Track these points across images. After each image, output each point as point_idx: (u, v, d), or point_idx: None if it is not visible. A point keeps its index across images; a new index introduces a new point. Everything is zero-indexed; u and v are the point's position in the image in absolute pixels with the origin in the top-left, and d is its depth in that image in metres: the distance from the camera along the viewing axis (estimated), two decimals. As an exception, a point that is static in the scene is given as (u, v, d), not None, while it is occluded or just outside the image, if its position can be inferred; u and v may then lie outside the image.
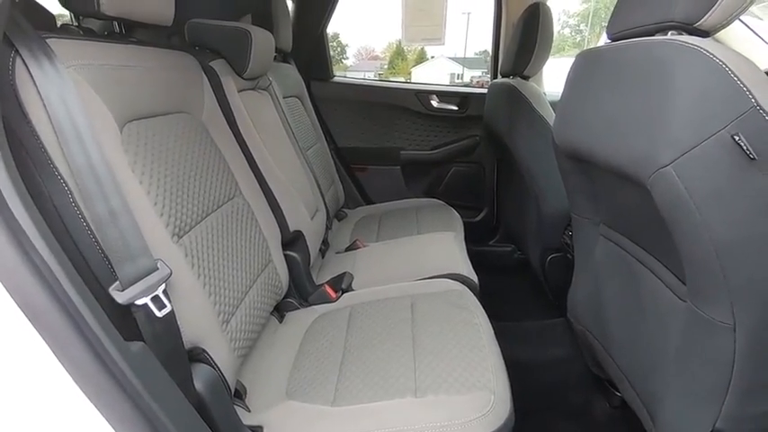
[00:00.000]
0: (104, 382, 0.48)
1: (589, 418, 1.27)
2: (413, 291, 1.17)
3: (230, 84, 1.11)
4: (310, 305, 1.20)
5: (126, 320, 0.61)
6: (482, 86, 2.21)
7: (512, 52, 1.56)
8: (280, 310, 1.16)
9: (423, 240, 1.52)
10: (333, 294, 1.21)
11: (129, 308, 0.61)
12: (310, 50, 1.94)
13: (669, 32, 0.67)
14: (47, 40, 0.60)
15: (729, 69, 0.56)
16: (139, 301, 0.61)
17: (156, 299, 0.63)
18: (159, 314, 0.63)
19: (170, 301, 0.65)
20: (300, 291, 1.23)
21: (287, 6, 1.59)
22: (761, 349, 0.61)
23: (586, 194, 1.00)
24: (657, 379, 0.79)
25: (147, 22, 0.80)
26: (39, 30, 0.62)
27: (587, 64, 0.87)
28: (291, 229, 1.21)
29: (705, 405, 0.68)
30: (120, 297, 0.59)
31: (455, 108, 2.05)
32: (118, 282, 0.61)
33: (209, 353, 0.74)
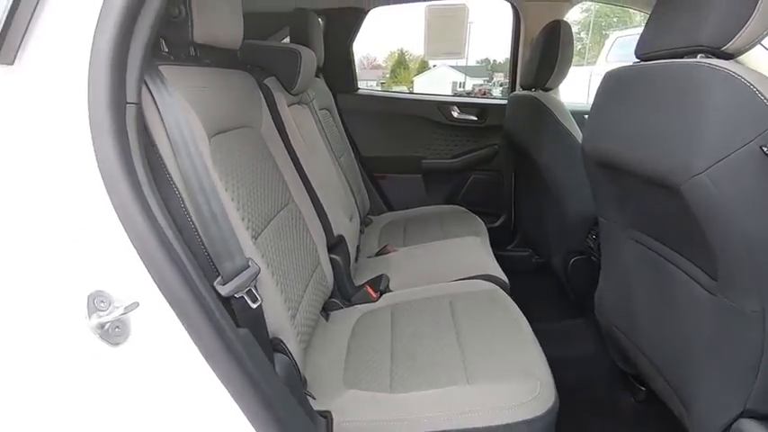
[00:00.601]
0: (227, 361, 0.56)
1: (615, 412, 1.33)
2: (449, 290, 1.25)
3: (282, 99, 1.20)
4: (353, 305, 1.28)
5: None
6: (484, 94, 2.31)
7: (533, 66, 1.65)
8: (325, 310, 1.24)
9: (451, 244, 1.60)
10: (374, 294, 1.29)
11: (227, 300, 0.69)
12: (338, 64, 2.03)
13: (698, 55, 0.76)
14: (159, 67, 0.69)
15: (756, 89, 0.65)
16: (237, 295, 0.69)
17: (249, 292, 0.71)
18: (253, 306, 0.71)
19: (260, 295, 0.73)
20: (342, 292, 1.31)
21: (320, 24, 1.69)
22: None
23: (614, 200, 1.08)
24: (689, 366, 0.86)
25: (225, 47, 0.90)
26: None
27: (617, 81, 0.96)
28: (335, 233, 1.30)
29: (736, 387, 0.76)
30: (223, 290, 0.68)
31: (475, 118, 2.14)
32: (220, 277, 0.69)
33: (286, 343, 0.82)
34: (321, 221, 1.25)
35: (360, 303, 1.27)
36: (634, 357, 1.11)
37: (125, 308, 0.50)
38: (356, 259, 1.63)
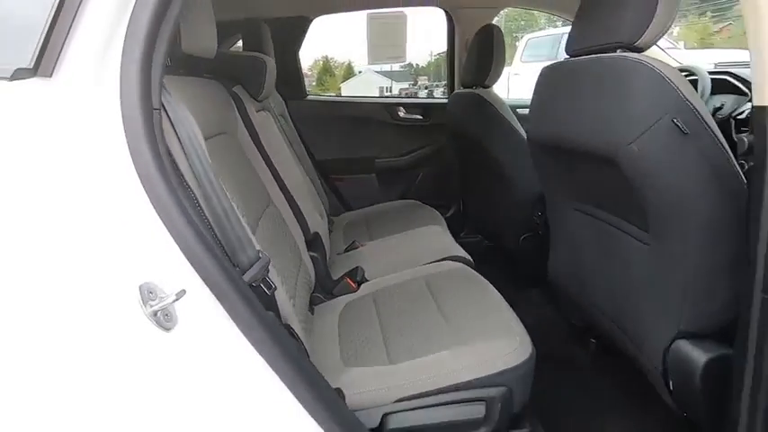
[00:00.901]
0: (272, 344, 0.62)
1: (571, 364, 1.52)
2: (423, 273, 1.35)
3: (251, 106, 1.24)
4: (335, 297, 1.34)
5: None
6: (409, 97, 2.49)
7: (471, 66, 1.82)
8: (310, 304, 1.29)
9: (415, 234, 1.71)
10: (353, 285, 1.36)
11: None
12: (286, 72, 2.08)
13: (617, 50, 0.93)
14: None
15: (664, 74, 0.82)
16: (254, 284, 0.74)
17: (264, 281, 0.76)
18: (269, 293, 0.76)
19: (273, 283, 0.79)
20: (323, 286, 1.37)
21: (269, 33, 1.74)
22: (705, 266, 0.87)
23: (558, 177, 1.26)
24: (632, 306, 1.04)
25: (205, 56, 0.93)
26: None
27: (554, 74, 1.13)
28: (311, 231, 1.35)
29: (670, 315, 0.94)
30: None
31: (420, 117, 2.29)
32: (237, 268, 0.73)
33: (294, 329, 0.88)
34: (298, 220, 1.30)
35: (341, 294, 1.34)
36: (586, 311, 1.29)
37: (176, 294, 0.54)
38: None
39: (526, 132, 1.27)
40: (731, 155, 0.85)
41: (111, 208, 0.55)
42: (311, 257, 1.34)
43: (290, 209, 1.28)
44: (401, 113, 2.28)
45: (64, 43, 0.50)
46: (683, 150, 0.82)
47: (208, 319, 0.59)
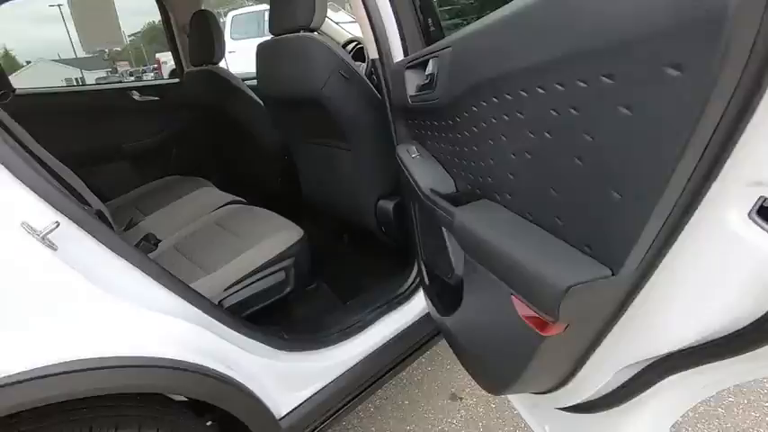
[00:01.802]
0: (117, 242, 0.89)
1: (334, 251, 2.14)
2: (210, 218, 1.68)
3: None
4: None
5: None
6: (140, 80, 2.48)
7: (196, 47, 2.10)
8: None
9: (190, 198, 1.95)
10: (152, 245, 1.56)
11: None
12: None
13: (301, 31, 1.45)
14: None
15: (329, 45, 1.39)
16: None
17: None
18: None
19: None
20: None
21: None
22: (377, 154, 1.53)
23: (289, 123, 1.77)
24: (352, 192, 1.67)
25: None
26: None
27: (266, 50, 1.59)
28: (95, 209, 1.47)
29: (372, 188, 1.60)
30: None
31: (157, 98, 2.41)
32: None
33: None
34: (80, 200, 1.40)
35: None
36: (333, 212, 1.90)
37: (54, 224, 0.77)
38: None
39: (261, 95, 1.71)
40: (373, 88, 1.51)
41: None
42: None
43: (68, 192, 1.37)
44: (137, 97, 2.34)
45: None
46: (349, 89, 1.43)
47: (76, 238, 0.83)
